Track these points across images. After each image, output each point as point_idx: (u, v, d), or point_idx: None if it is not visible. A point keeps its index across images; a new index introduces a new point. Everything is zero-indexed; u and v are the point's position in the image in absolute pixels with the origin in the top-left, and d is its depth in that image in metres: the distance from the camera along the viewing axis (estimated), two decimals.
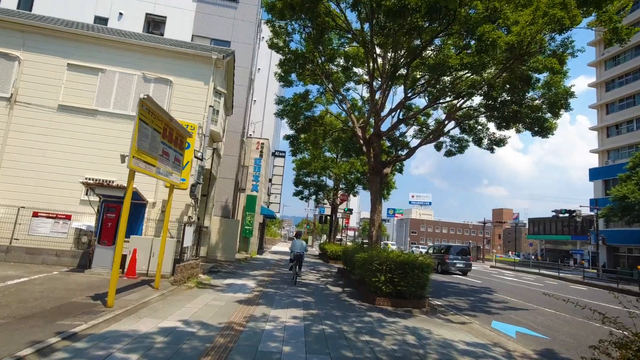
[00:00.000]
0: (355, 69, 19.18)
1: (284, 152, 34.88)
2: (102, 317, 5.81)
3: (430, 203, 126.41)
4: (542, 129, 14.90)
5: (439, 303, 11.29)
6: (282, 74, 16.52)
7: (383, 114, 14.51)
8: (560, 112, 13.88)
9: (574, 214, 38.17)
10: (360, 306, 9.29)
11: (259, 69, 34.01)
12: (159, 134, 7.61)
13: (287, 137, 18.81)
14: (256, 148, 25.97)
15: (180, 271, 9.40)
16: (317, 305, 8.86)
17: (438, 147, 20.78)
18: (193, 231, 10.69)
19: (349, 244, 31.42)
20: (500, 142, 17.97)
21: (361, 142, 15.35)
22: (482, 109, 16.26)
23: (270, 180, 34.08)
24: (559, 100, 13.17)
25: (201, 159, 10.93)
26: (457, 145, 20.14)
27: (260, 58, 34.99)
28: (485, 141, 18.45)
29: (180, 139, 9.02)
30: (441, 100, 18.92)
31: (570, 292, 17.79)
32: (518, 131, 16.27)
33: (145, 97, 6.65)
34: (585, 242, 59.97)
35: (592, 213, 42.88)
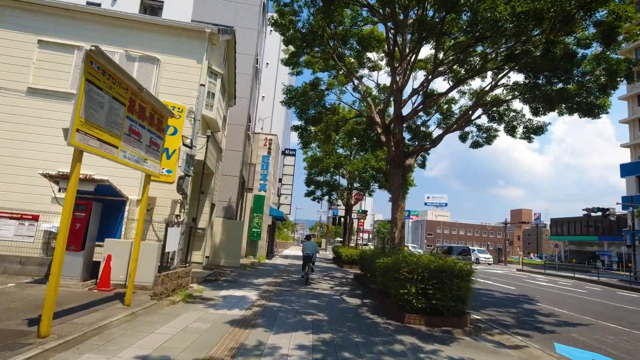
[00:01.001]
0: (369, 54, 17.28)
1: (295, 150, 33.13)
2: (22, 354, 4.02)
3: (446, 204, 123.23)
4: (593, 109, 12.71)
5: (478, 317, 9.24)
6: (289, 57, 14.73)
7: (404, 96, 12.56)
8: (618, 84, 11.70)
9: (607, 213, 35.32)
10: (385, 326, 7.33)
11: (267, 63, 32.42)
12: (123, 107, 5.83)
13: (295, 128, 17.00)
14: (264, 145, 24.24)
15: (161, 282, 7.60)
16: (331, 325, 6.94)
17: (463, 138, 18.71)
18: (181, 233, 8.91)
19: (366, 247, 29.45)
20: (539, 129, 15.81)
21: (379, 130, 13.42)
22: (518, 91, 14.16)
23: (280, 180, 32.33)
24: (620, 71, 10.97)
25: (190, 147, 9.16)
26: (485, 135, 18.04)
27: (268, 53, 33.49)
28: (520, 129, 16.30)
29: (159, 119, 7.25)
30: (470, 83, 16.93)
31: (623, 300, 15.43)
32: (561, 114, 14.09)
33: (94, 48, 4.87)
34: (612, 242, 56.64)
35: (625, 212, 39.94)
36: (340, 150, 28.47)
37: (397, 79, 11.87)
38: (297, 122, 17.70)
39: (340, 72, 16.58)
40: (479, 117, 15.66)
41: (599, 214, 35.38)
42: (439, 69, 13.31)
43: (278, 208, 30.76)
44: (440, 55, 12.82)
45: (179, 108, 9.23)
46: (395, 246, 12.07)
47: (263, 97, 33.58)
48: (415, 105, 12.90)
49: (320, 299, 9.99)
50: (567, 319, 10.21)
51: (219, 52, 12.24)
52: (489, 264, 44.44)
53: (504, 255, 58.26)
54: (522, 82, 13.30)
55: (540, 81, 12.74)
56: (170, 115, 7.67)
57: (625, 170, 42.40)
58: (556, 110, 13.93)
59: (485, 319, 9.38)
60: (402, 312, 7.80)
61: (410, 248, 44.23)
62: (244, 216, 22.67)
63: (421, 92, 12.92)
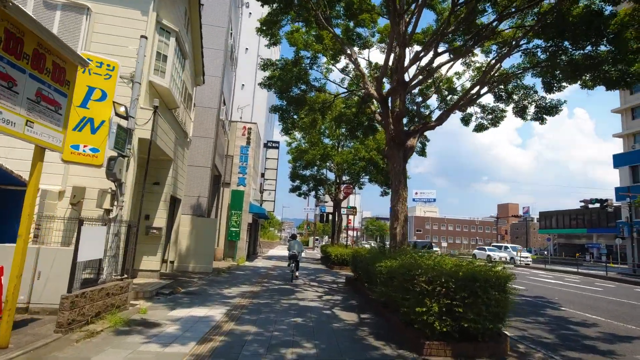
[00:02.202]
0: (359, 30, 15.01)
1: (278, 142, 30.72)
2: None
3: (434, 200, 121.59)
4: (625, 77, 10.72)
5: (507, 333, 7.08)
6: (264, 22, 12.34)
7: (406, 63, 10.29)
8: None
9: (605, 204, 34.00)
10: None
11: (247, 49, 29.89)
12: None
13: (275, 109, 14.63)
14: (242, 134, 21.77)
15: (71, 306, 5.20)
16: None
17: (466, 121, 16.68)
18: (112, 233, 6.50)
19: (363, 247, 27.30)
20: (553, 109, 13.80)
21: (372, 109, 11.22)
22: (536, 58, 12.11)
23: (262, 175, 29.88)
24: None
25: (126, 118, 6.75)
26: (491, 117, 16.03)
27: (248, 38, 30.91)
28: (532, 109, 14.28)
29: (58, 64, 4.83)
30: (476, 54, 14.83)
31: None
32: (584, 86, 12.09)
33: None
34: (601, 235, 56.04)
35: (620, 203, 38.82)
36: (326, 141, 26.21)
37: (400, 29, 9.53)
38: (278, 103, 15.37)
39: (327, 51, 14.28)
40: (485, 93, 13.55)
41: (597, 205, 34.06)
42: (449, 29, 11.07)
43: (261, 205, 28.32)
44: None
45: (108, 65, 6.78)
46: (397, 245, 9.88)
47: (243, 85, 31.06)
48: (425, 64, 10.60)
49: (307, 315, 7.70)
50: (612, 331, 8.19)
51: (176, 8, 9.80)
52: (527, 265, 34.55)
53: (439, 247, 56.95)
54: (543, 45, 11.23)
55: (564, 44, 10.71)
56: (79, 63, 5.24)
57: (618, 160, 41.33)
58: (578, 82, 11.94)
59: (517, 335, 7.25)
60: (419, 337, 5.57)
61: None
62: (220, 214, 20.21)
63: (429, 55, 10.65)
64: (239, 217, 20.59)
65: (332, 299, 10.01)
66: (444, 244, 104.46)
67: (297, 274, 13.68)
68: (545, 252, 69.10)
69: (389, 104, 10.66)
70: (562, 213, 67.48)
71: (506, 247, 37.93)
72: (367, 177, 26.98)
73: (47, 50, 4.59)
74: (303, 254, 15.34)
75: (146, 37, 7.35)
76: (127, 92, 7.79)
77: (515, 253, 36.76)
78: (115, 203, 6.71)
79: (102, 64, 6.78)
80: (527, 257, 36.20)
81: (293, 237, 16.62)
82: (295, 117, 14.57)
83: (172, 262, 13.30)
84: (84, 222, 5.53)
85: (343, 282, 14.08)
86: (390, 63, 10.25)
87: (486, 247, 40.50)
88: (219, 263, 18.22)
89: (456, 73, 15.64)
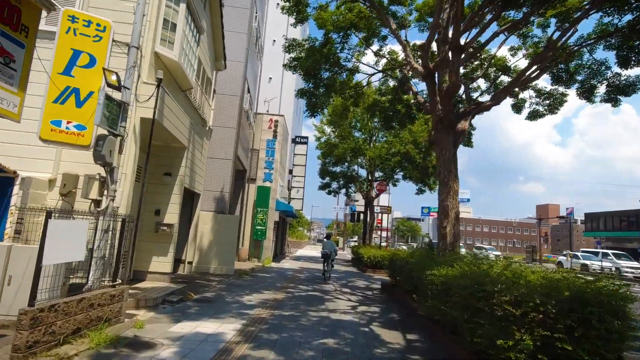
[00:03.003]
0: (394, 7, 13.32)
1: (307, 138, 29.35)
2: None
3: (468, 200, 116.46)
4: None
5: None
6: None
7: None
8: None
9: None
10: None
11: (274, 40, 28.75)
12: None
13: (301, 93, 13.19)
14: (268, 127, 20.53)
15: (40, 321, 3.96)
16: None
17: (518, 108, 14.65)
18: (102, 230, 5.26)
19: (395, 248, 25.53)
20: (629, 87, 11.59)
21: (413, 90, 9.56)
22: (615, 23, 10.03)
23: (290, 172, 28.64)
24: None
25: (119, 88, 5.49)
26: (548, 101, 13.93)
27: (275, 29, 29.84)
28: (602, 89, 12.11)
29: (8, 2, 3.57)
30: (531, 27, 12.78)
31: None
32: None
33: None
34: None
35: None
36: (357, 134, 24.58)
37: None
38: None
39: (361, 20, 12.67)
40: (543, 73, 11.51)
41: None
42: None
43: (289, 203, 27.07)
44: None
45: (98, 24, 5.55)
46: (447, 247, 8.18)
47: (270, 78, 29.99)
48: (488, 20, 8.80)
49: (340, 334, 6.19)
50: None
51: None
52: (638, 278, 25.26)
53: (539, 254, 53.14)
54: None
55: None
56: (43, 4, 3.97)
57: None
58: None
59: None
60: None
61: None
62: (245, 211, 19.06)
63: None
64: (265, 215, 19.37)
65: (368, 310, 8.43)
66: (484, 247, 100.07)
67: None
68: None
69: (436, 80, 8.95)
70: (611, 214, 62.37)
71: (606, 254, 29.16)
72: (401, 173, 25.14)
73: None
74: (335, 257, 14.95)
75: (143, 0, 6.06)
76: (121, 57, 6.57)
77: (621, 263, 27.33)
78: (105, 192, 5.46)
79: (91, 23, 5.56)
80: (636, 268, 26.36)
81: (327, 237, 17.73)
82: (323, 99, 13.04)
83: (190, 263, 12.16)
84: (54, 214, 4.27)
85: (378, 288, 12.46)
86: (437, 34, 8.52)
87: (579, 254, 31.56)
88: (243, 264, 17.05)
89: (511, 48, 13.62)
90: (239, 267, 15.13)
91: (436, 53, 9.69)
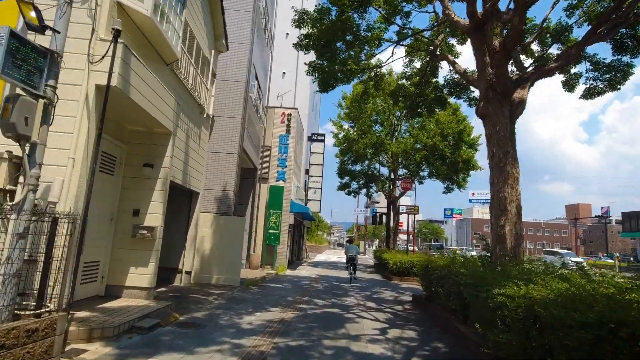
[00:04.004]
0: None
1: (324, 135, 27.53)
2: None
3: None
4: None
5: None
6: None
7: None
8: None
9: None
10: None
11: (287, 33, 27.17)
12: None
13: (312, 68, 11.36)
14: (281, 121, 18.83)
15: None
16: None
17: (571, 86, 12.44)
18: (16, 234, 3.56)
19: (429, 254, 23.40)
20: None
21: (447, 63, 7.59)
22: None
23: (307, 172, 26.87)
24: None
25: (41, 30, 3.79)
26: (609, 75, 11.66)
27: (287, 23, 28.12)
28: None
29: None
30: None
31: None
32: None
33: None
34: None
35: None
36: (377, 128, 22.59)
37: None
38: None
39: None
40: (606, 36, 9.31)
41: None
42: None
43: (305, 204, 25.29)
44: None
45: None
46: (506, 253, 6.15)
47: (284, 73, 28.39)
48: None
49: None
50: None
51: None
52: None
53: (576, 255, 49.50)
54: None
55: None
56: None
57: None
58: None
59: None
60: None
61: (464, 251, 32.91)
62: (257, 214, 17.37)
63: None
64: (278, 218, 17.62)
65: (402, 336, 6.47)
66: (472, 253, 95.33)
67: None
68: (632, 259, 60.23)
69: (485, 31, 6.97)
70: None
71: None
72: (427, 170, 23.00)
73: None
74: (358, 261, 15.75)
75: None
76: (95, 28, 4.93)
77: None
78: (22, 180, 3.77)
79: None
80: None
81: (350, 241, 18.72)
82: (337, 70, 11.13)
83: (188, 273, 10.48)
84: None
85: (409, 301, 10.46)
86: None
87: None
88: (254, 272, 15.32)
89: (568, 6, 11.43)
90: (250, 275, 13.40)
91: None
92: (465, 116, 20.56)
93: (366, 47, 11.47)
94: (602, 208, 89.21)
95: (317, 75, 11.15)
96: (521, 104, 6.87)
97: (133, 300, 6.75)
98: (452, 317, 6.72)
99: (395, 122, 22.44)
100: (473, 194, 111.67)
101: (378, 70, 12.83)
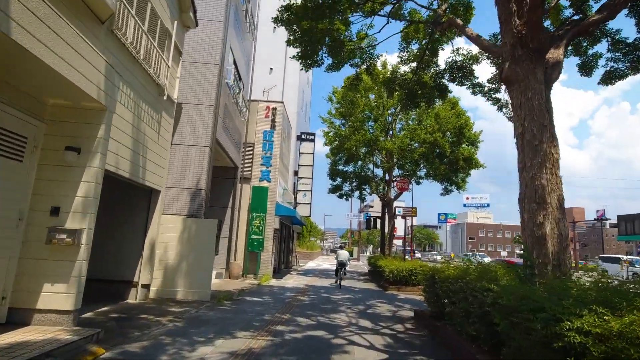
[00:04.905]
0: None
1: (314, 134, 25.96)
2: None
3: (488, 205, 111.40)
4: None
5: None
6: None
7: None
8: None
9: None
10: None
11: (275, 27, 25.56)
12: None
13: (291, 42, 9.75)
14: (265, 116, 17.20)
15: None
16: None
17: (589, 68, 10.98)
18: None
19: (433, 262, 21.82)
20: None
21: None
22: None
23: (296, 173, 25.20)
24: None
25: None
26: (631, 56, 10.24)
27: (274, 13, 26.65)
28: None
29: None
30: None
31: None
32: None
33: None
34: None
35: None
36: (370, 125, 21.01)
37: None
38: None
39: None
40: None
41: None
42: None
43: (294, 208, 23.58)
44: None
45: None
46: (547, 260, 4.52)
47: (271, 69, 26.81)
48: None
49: None
50: None
51: None
52: None
53: (575, 260, 48.14)
54: None
55: None
56: None
57: None
58: None
59: None
60: None
61: (479, 258, 27.88)
62: (238, 217, 15.64)
63: None
64: (262, 222, 15.91)
65: None
66: (504, 253, 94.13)
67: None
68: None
69: None
70: None
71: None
72: (426, 168, 21.45)
73: None
74: (348, 267, 17.11)
75: None
76: None
77: None
78: None
79: None
80: None
81: (341, 247, 21.30)
82: (319, 38, 9.48)
83: (146, 287, 8.73)
84: None
85: (411, 317, 8.80)
86: None
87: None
88: (234, 282, 13.57)
89: None
90: (227, 287, 11.69)
91: None
92: (464, 111, 19.10)
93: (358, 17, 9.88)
94: (597, 211, 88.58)
95: (298, 44, 9.50)
96: (557, 67, 5.32)
97: (44, 329, 5.00)
98: (472, 347, 5.07)
99: (390, 119, 20.91)
100: (467, 198, 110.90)
101: (370, 50, 11.26)
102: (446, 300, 6.73)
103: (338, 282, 15.32)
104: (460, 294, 5.67)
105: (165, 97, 8.64)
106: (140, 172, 7.78)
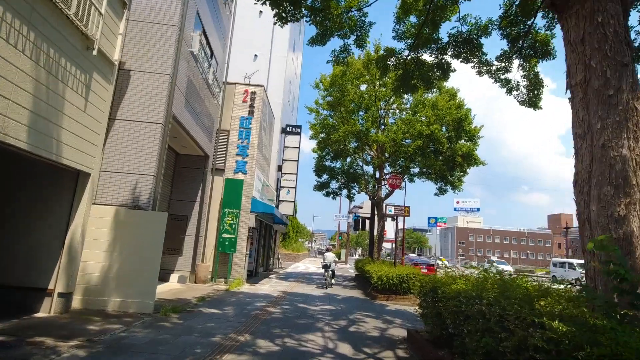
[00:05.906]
0: None
1: (300, 127, 24.11)
2: None
3: (478, 209, 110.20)
4: None
5: None
6: None
7: None
8: None
9: None
10: None
11: (261, 11, 23.77)
12: None
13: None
14: (242, 101, 15.31)
15: None
16: None
17: None
18: None
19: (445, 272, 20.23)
20: None
21: None
22: None
23: (280, 169, 23.32)
24: None
25: None
26: None
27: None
28: None
29: None
30: None
31: None
32: None
33: None
34: None
35: None
36: (360, 114, 19.23)
37: None
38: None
39: None
40: None
41: None
42: None
43: (277, 206, 21.69)
44: None
45: None
46: (633, 277, 2.72)
47: (255, 55, 24.88)
48: None
49: None
50: None
51: None
52: None
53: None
54: None
55: None
56: None
57: None
58: None
59: None
60: None
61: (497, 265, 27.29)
62: (207, 214, 13.71)
63: None
64: (235, 219, 14.01)
65: None
66: (493, 258, 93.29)
67: (332, 281, 16.26)
68: None
69: None
70: None
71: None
72: (417, 167, 19.77)
73: None
74: (335, 270, 16.94)
75: None
76: None
77: None
78: None
79: None
80: None
81: (327, 250, 19.65)
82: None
83: (65, 296, 6.79)
84: None
85: (403, 340, 7.02)
86: None
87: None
88: (199, 288, 11.66)
89: None
90: (187, 294, 9.83)
91: None
92: (463, 102, 17.48)
93: None
94: None
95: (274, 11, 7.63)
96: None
97: None
98: None
99: (383, 113, 19.18)
100: (458, 202, 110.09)
101: (361, 17, 9.49)
102: (452, 327, 4.95)
103: (326, 280, 15.74)
104: (480, 321, 3.89)
105: (95, 53, 6.72)
106: (54, 145, 5.86)
